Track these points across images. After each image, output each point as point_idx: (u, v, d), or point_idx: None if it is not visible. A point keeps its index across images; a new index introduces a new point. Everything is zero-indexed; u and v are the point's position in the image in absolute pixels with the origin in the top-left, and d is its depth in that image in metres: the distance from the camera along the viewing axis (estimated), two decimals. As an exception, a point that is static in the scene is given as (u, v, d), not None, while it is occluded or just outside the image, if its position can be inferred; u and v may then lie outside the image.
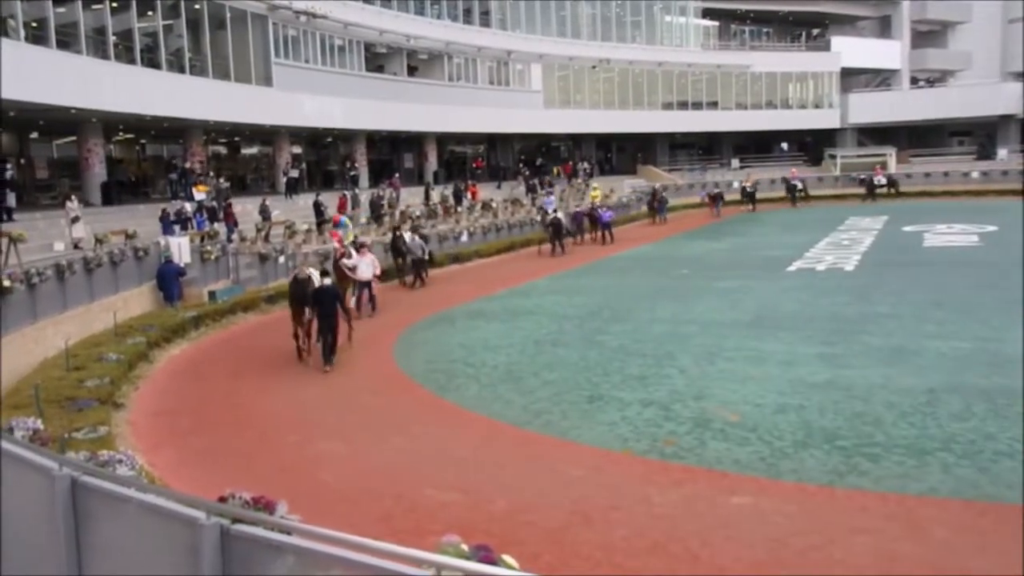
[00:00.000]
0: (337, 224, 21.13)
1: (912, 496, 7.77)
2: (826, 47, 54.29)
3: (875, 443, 9.10)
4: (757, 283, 20.85)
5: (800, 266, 23.51)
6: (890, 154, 49.97)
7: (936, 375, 11.68)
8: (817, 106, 53.05)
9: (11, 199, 20.94)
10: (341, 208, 29.80)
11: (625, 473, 8.74)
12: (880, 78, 57.08)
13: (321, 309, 13.60)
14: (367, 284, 18.69)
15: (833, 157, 51.20)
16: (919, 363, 12.35)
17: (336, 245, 18.51)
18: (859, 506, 7.45)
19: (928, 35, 58.26)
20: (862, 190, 44.06)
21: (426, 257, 23.32)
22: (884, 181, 44.47)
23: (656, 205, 39.07)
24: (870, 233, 30.81)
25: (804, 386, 11.46)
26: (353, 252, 18.76)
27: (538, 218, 31.65)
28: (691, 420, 10.29)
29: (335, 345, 13.80)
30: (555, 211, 30.49)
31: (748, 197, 42.63)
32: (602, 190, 39.14)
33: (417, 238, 23.27)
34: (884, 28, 56.69)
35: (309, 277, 14.08)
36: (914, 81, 56.38)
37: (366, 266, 17.58)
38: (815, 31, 56.86)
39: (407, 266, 23.14)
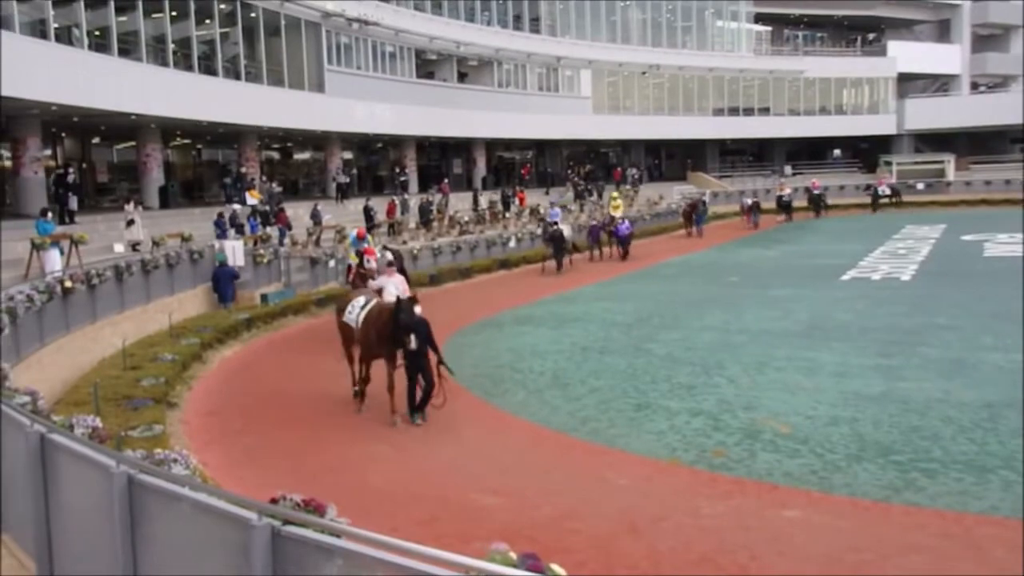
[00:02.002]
0: (362, 238, 18.56)
1: (971, 514, 7.56)
2: (882, 52, 53.36)
3: (932, 458, 8.90)
4: (809, 292, 20.59)
5: (854, 275, 23.16)
6: (948, 161, 48.89)
7: (996, 389, 11.36)
8: (872, 112, 52.13)
9: (73, 202, 21.47)
10: (390, 213, 30.04)
11: (673, 483, 8.66)
12: (939, 83, 55.71)
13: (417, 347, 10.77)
14: None
15: (889, 164, 50.27)
16: (978, 376, 12.05)
17: (373, 264, 16.17)
18: (915, 523, 7.30)
19: (989, 39, 56.61)
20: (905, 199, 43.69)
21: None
22: (888, 191, 43.62)
23: (695, 216, 36.50)
24: (927, 242, 30.23)
25: (858, 398, 11.25)
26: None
27: (538, 231, 27.88)
28: (740, 431, 10.16)
29: (431, 392, 11.01)
30: (555, 224, 27.06)
31: (784, 207, 40.75)
32: (624, 201, 35.19)
33: (388, 255, 18.65)
34: (943, 32, 55.38)
35: (400, 304, 10.97)
36: (974, 86, 55.01)
37: (394, 288, 14.65)
38: (871, 35, 55.93)
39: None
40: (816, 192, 42.58)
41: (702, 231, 36.21)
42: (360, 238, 18.70)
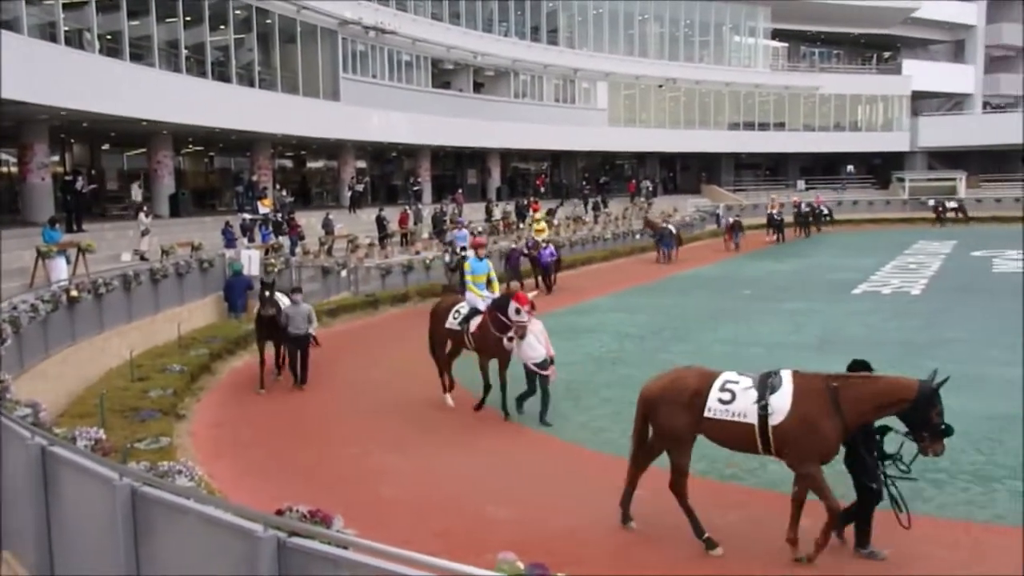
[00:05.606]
0: (481, 248, 14.06)
1: (978, 524, 7.71)
2: (897, 70, 53.70)
3: (940, 469, 8.85)
4: (822, 305, 20.65)
5: (866, 289, 23.37)
6: (960, 178, 49.38)
7: (1006, 402, 11.43)
8: (886, 129, 52.32)
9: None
10: (403, 223, 29.89)
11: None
12: (952, 102, 56.25)
13: None
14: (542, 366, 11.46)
15: (901, 180, 50.51)
16: (988, 390, 12.04)
17: (525, 317, 11.28)
18: (923, 533, 7.21)
19: (1002, 60, 57.45)
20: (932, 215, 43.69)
21: (312, 332, 13.86)
22: (825, 211, 42.96)
23: (662, 240, 31.78)
24: (938, 257, 30.48)
25: (871, 412, 11.15)
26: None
27: (446, 258, 23.17)
28: (753, 443, 10.08)
29: None
30: (463, 249, 21.67)
31: (775, 226, 38.09)
32: (548, 222, 30.36)
33: (303, 304, 14.01)
34: (958, 52, 55.95)
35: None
36: (986, 106, 55.48)
37: (536, 340, 11.39)
38: (886, 54, 56.19)
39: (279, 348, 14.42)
40: (804, 210, 41.10)
41: (669, 255, 31.70)
42: (478, 248, 13.85)
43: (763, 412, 7.03)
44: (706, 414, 7.30)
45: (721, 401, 7.26)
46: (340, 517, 4.04)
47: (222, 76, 26.24)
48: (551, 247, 25.35)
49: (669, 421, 7.50)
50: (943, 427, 6.84)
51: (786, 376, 7.19)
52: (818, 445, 6.92)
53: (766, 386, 7.14)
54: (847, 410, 6.83)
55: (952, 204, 44.32)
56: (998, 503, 8.26)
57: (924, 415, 6.78)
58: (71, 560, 5.32)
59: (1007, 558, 7.07)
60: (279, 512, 4.02)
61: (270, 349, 13.97)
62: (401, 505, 8.62)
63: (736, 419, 7.17)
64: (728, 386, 7.32)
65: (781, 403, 7.02)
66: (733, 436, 7.29)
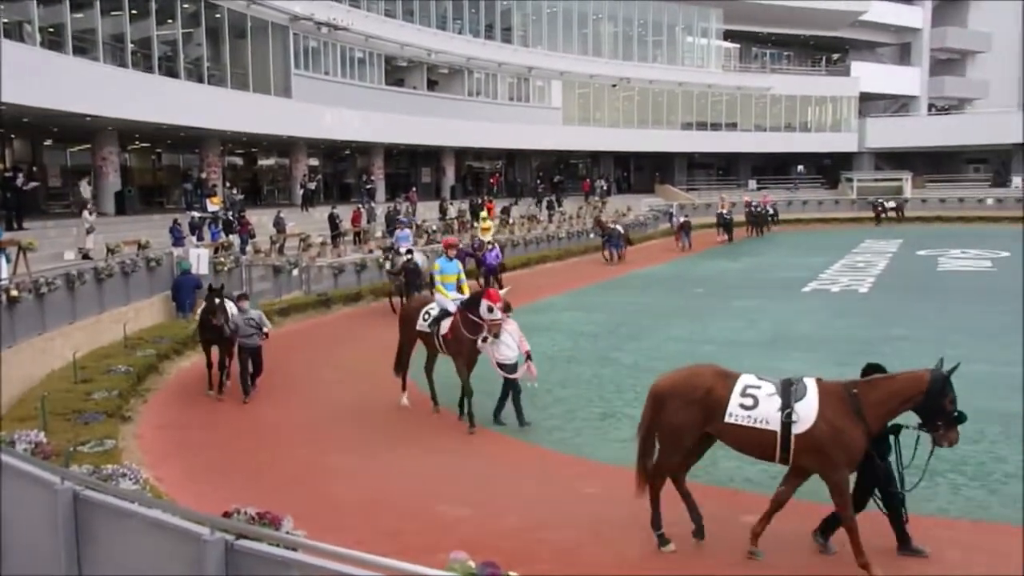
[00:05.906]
0: (452, 247, 13.07)
1: (922, 516, 7.73)
2: (846, 72, 54.62)
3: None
4: (773, 303, 20.91)
5: (815, 287, 23.72)
6: (906, 179, 50.42)
7: None
8: (835, 129, 53.15)
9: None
10: (355, 221, 29.70)
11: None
12: (898, 104, 57.49)
13: None
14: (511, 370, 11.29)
15: (850, 180, 51.47)
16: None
17: (499, 314, 10.92)
18: (869, 527, 7.27)
19: (947, 63, 58.84)
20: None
21: (265, 330, 13.12)
22: (759, 210, 41.20)
23: (611, 240, 31.62)
24: (884, 256, 31.05)
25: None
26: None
27: (387, 266, 21.77)
28: (705, 440, 10.14)
29: None
30: (410, 252, 20.79)
31: (724, 226, 37.75)
32: (494, 223, 28.86)
33: (252, 310, 13.34)
34: (904, 55, 57.15)
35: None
36: (932, 108, 56.66)
37: (511, 340, 11.18)
38: (835, 56, 57.24)
39: (224, 352, 13.41)
40: (758, 210, 41.19)
41: (618, 255, 31.52)
42: (450, 247, 13.01)
43: (787, 420, 6.93)
44: (727, 419, 7.13)
45: (743, 406, 7.10)
46: (290, 518, 3.99)
47: (170, 71, 25.78)
48: (496, 248, 24.26)
49: (675, 417, 7.28)
50: (956, 414, 6.89)
51: (810, 384, 7.10)
52: (846, 452, 6.88)
53: (790, 393, 7.03)
54: (869, 414, 6.89)
55: (891, 204, 45.47)
56: (941, 496, 8.43)
57: (938, 404, 6.86)
58: (10, 566, 5.18)
59: (953, 550, 7.23)
60: (227, 514, 3.95)
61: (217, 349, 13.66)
62: (353, 505, 8.55)
63: (758, 425, 7.03)
64: (750, 391, 7.15)
65: (807, 411, 6.93)
66: (751, 442, 7.15)
